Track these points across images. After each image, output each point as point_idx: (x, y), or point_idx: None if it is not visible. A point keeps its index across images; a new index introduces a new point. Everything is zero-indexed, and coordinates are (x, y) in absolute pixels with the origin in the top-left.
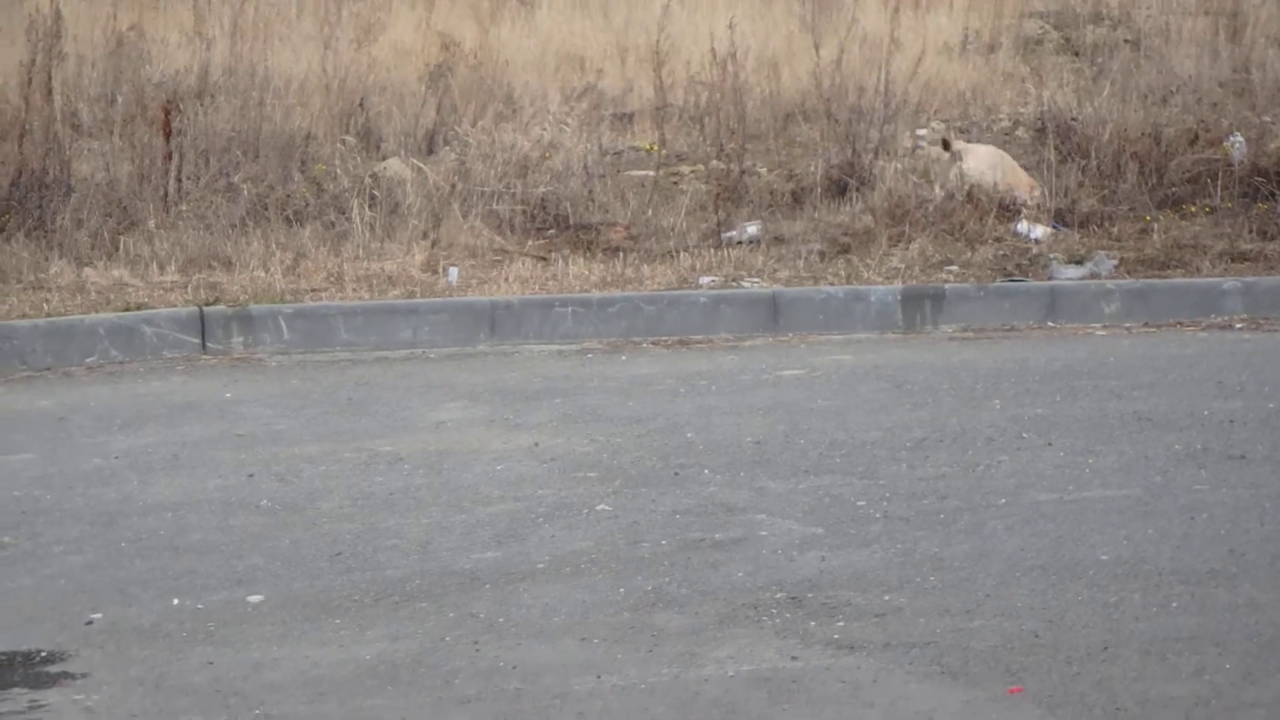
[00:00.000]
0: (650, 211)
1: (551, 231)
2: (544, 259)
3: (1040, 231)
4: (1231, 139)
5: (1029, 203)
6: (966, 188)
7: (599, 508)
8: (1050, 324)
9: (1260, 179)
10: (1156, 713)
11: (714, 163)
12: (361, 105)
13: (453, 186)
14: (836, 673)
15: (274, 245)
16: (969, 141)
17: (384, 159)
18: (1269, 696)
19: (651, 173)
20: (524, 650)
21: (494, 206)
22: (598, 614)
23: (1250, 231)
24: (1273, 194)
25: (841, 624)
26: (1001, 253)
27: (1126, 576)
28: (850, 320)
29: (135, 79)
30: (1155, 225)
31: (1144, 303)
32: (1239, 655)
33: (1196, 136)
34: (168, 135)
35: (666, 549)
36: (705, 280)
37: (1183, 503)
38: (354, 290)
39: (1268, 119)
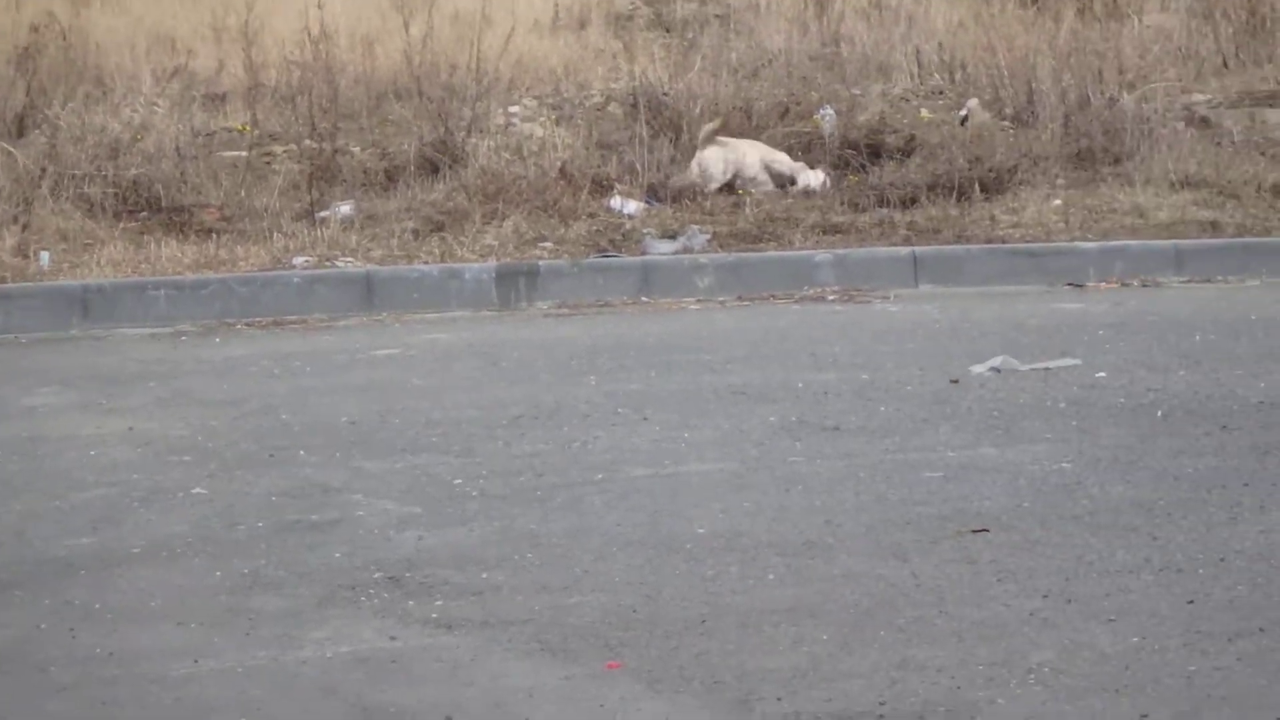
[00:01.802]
0: (243, 192)
1: (144, 214)
2: (137, 242)
3: (634, 207)
4: (822, 112)
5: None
6: (559, 164)
7: (195, 491)
8: (645, 299)
9: (851, 151)
10: (756, 685)
11: (307, 142)
12: None
13: (43, 170)
14: (435, 652)
15: None
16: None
17: None
18: (866, 666)
19: (244, 153)
20: (121, 636)
21: (85, 189)
22: (195, 598)
23: (841, 204)
24: (863, 166)
25: (440, 603)
26: (595, 228)
27: (723, 549)
28: (445, 298)
29: None
30: (747, 199)
31: (737, 276)
32: (836, 626)
33: (787, 110)
34: None
35: (263, 531)
36: (299, 260)
37: (779, 475)
38: None
39: (857, 92)
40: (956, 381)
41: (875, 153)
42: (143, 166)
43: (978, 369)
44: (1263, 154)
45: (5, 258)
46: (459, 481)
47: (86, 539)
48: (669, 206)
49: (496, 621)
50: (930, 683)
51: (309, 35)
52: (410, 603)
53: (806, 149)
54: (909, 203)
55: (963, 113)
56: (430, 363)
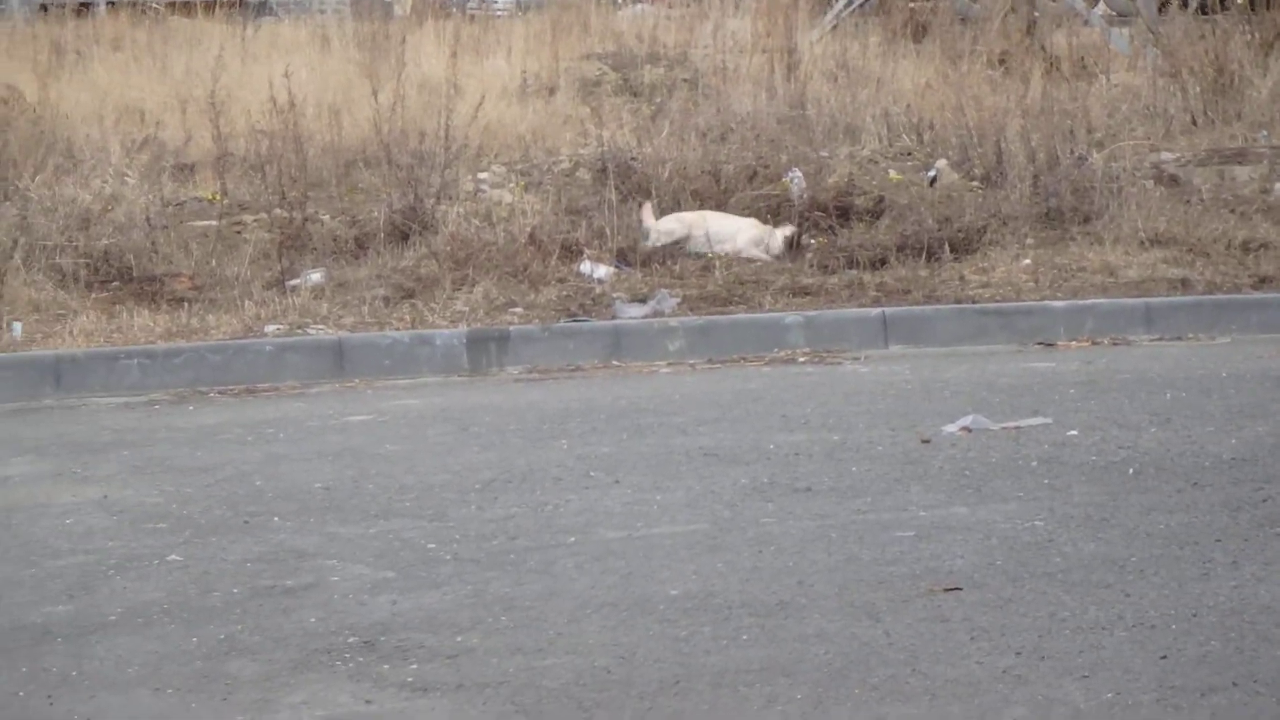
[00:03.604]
0: (214, 261)
1: (116, 284)
2: (109, 312)
3: (603, 271)
4: (790, 174)
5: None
6: (529, 230)
7: (170, 558)
8: (615, 362)
9: (819, 213)
10: None
11: (276, 211)
12: None
13: (15, 241)
14: (410, 715)
15: None
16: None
17: None
18: None
19: (214, 222)
20: (98, 702)
21: (57, 260)
22: (171, 664)
23: (810, 266)
24: (832, 228)
25: (415, 667)
26: (565, 293)
27: (696, 610)
28: (416, 364)
29: None
30: (717, 262)
31: (707, 339)
32: (810, 685)
33: (756, 173)
34: None
35: (238, 597)
36: (270, 328)
37: (750, 536)
38: None
39: (825, 154)
40: (928, 441)
41: (844, 214)
42: (114, 237)
43: (949, 429)
44: (1232, 211)
45: None
46: (432, 546)
47: (63, 606)
48: (638, 271)
49: (471, 684)
50: None
51: (275, 105)
52: (385, 666)
53: (775, 212)
54: (878, 264)
55: (931, 173)
56: (402, 428)
